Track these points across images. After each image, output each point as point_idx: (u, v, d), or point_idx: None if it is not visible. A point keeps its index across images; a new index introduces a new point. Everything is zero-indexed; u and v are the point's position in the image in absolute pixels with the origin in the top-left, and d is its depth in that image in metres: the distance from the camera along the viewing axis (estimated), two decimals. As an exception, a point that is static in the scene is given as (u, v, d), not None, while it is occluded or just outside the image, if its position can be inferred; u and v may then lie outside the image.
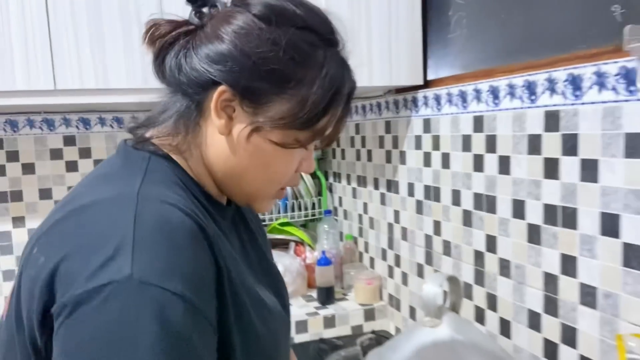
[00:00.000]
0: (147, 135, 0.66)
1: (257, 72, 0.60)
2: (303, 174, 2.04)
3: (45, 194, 1.89)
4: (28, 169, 1.87)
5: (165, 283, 0.50)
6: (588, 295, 0.98)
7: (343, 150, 2.05)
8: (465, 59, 1.36)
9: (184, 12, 0.68)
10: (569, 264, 1.02)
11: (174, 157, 0.65)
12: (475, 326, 1.24)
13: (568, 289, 1.03)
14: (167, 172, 0.62)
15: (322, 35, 0.63)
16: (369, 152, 1.83)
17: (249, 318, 0.62)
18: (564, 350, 1.05)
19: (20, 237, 1.88)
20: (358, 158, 1.92)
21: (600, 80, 0.95)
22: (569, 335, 1.04)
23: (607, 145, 0.94)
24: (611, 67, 0.93)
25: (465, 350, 0.95)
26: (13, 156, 1.85)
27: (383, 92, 1.70)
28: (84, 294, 0.49)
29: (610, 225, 0.94)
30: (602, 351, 0.97)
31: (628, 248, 0.91)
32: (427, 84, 1.50)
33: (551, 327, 1.08)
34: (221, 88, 0.60)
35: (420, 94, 1.51)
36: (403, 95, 1.59)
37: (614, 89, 0.93)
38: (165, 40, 0.63)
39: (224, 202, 0.71)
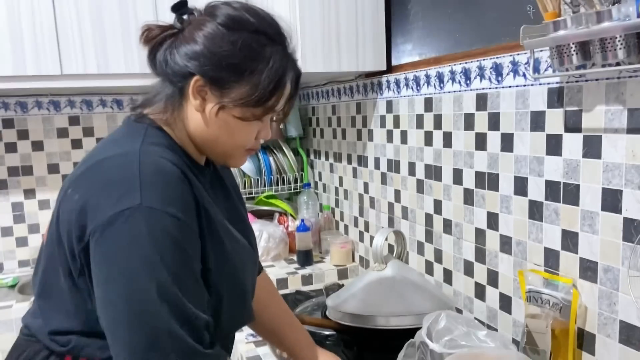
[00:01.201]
0: (145, 112, 0.88)
1: (221, 66, 0.81)
2: (287, 154, 2.27)
3: (53, 168, 2.10)
4: (37, 146, 2.08)
5: (165, 207, 0.73)
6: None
7: (322, 130, 2.26)
8: (421, 47, 1.57)
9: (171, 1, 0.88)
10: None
11: (165, 128, 0.87)
12: (414, 269, 1.46)
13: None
14: (159, 138, 0.84)
15: (269, 37, 0.84)
16: (343, 131, 2.05)
17: (222, 245, 0.85)
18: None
19: (31, 208, 2.10)
20: (334, 136, 2.14)
21: (515, 68, 1.17)
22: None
23: (518, 121, 1.16)
24: (522, 57, 1.14)
25: (403, 285, 1.18)
26: (23, 134, 2.06)
27: (354, 77, 1.90)
28: (110, 218, 0.72)
29: (521, 187, 1.16)
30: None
31: (533, 204, 1.13)
32: (390, 69, 1.71)
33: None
34: (196, 77, 0.81)
35: (384, 79, 1.72)
36: (370, 80, 1.80)
37: (523, 75, 1.14)
38: (156, 40, 0.85)
39: (202, 164, 0.93)
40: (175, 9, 0.86)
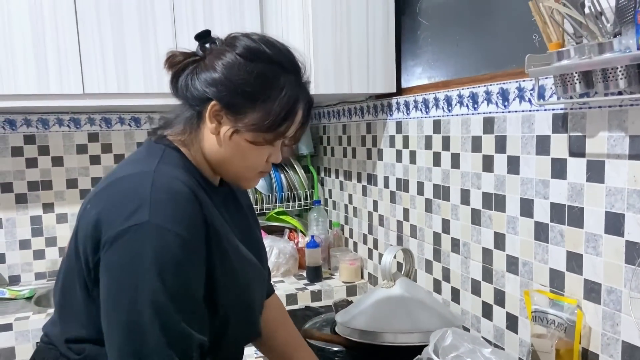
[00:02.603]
0: (165, 133, 0.93)
1: (236, 93, 0.86)
2: (298, 171, 2.32)
3: (71, 183, 2.17)
4: (57, 161, 2.15)
5: (171, 226, 0.77)
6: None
7: (332, 148, 2.31)
8: (430, 71, 1.62)
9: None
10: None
11: (182, 149, 0.92)
12: (422, 287, 1.49)
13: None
14: (175, 159, 0.89)
15: (283, 66, 0.89)
16: (354, 150, 2.09)
17: (230, 263, 0.89)
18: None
19: (49, 221, 2.16)
20: (345, 155, 2.18)
21: (521, 94, 1.21)
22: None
23: (524, 145, 1.20)
24: (528, 84, 1.18)
25: (411, 303, 1.21)
26: (44, 150, 2.12)
27: (365, 98, 1.95)
28: (119, 232, 0.77)
29: (527, 209, 1.20)
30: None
31: (538, 225, 1.16)
32: (400, 91, 1.76)
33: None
34: (213, 102, 0.87)
35: (394, 100, 1.77)
36: (381, 101, 1.85)
37: (529, 100, 1.18)
38: (179, 66, 0.91)
39: (216, 184, 0.97)
40: (199, 37, 0.92)
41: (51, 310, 1.72)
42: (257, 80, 0.86)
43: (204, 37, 0.92)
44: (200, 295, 0.83)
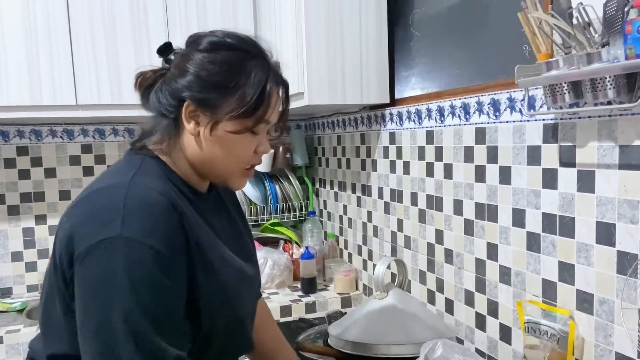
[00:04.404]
0: (145, 144, 0.92)
1: (207, 87, 0.86)
2: (293, 182, 2.31)
3: (64, 195, 2.16)
4: (50, 173, 2.14)
5: (144, 239, 0.75)
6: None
7: (327, 159, 2.31)
8: (423, 82, 1.62)
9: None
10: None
11: (163, 157, 0.90)
12: (415, 298, 1.48)
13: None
14: (154, 169, 0.87)
15: (248, 52, 0.89)
16: (348, 161, 2.09)
17: (216, 275, 0.87)
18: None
19: (41, 233, 2.14)
20: (339, 166, 2.18)
21: (512, 104, 1.21)
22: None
23: (515, 155, 1.20)
24: (518, 94, 1.19)
25: (404, 314, 1.20)
26: (37, 161, 2.12)
27: (359, 109, 1.96)
28: (90, 247, 0.75)
29: (519, 219, 1.19)
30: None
31: (530, 236, 1.16)
32: (393, 102, 1.76)
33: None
34: (186, 103, 0.86)
35: (387, 111, 1.77)
36: (374, 112, 1.85)
37: (520, 111, 1.18)
38: (148, 82, 0.91)
39: (203, 190, 0.96)
40: (161, 52, 0.92)
41: (42, 323, 1.70)
42: (222, 68, 0.86)
43: (165, 50, 0.92)
44: (179, 309, 0.81)
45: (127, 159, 0.91)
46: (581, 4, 0.93)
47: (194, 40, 0.90)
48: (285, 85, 0.93)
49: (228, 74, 0.86)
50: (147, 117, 0.94)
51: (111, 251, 0.74)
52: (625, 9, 0.87)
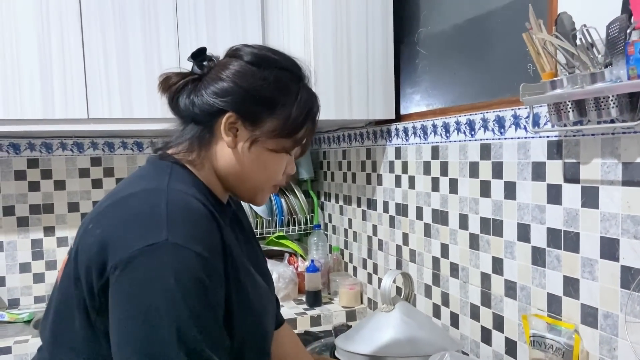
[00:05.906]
0: (168, 152, 0.90)
1: (254, 100, 0.84)
2: (299, 195, 2.33)
3: (73, 207, 2.18)
4: (59, 185, 2.17)
5: (192, 245, 0.72)
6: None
7: (332, 173, 2.34)
8: (428, 98, 1.65)
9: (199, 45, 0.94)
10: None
11: (189, 167, 0.86)
12: (421, 312, 1.49)
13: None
14: (185, 176, 0.84)
15: (294, 73, 0.90)
16: (354, 175, 2.12)
17: (245, 287, 0.86)
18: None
19: (49, 245, 2.16)
20: (344, 180, 2.21)
21: (516, 121, 1.24)
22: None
23: (520, 171, 1.22)
24: (523, 111, 1.22)
25: (410, 327, 1.21)
26: (47, 174, 2.15)
27: (365, 124, 1.99)
28: (133, 253, 0.70)
29: (524, 234, 1.21)
30: None
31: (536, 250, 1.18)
32: (399, 118, 1.79)
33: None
34: (228, 114, 0.83)
35: (393, 127, 1.80)
36: (380, 127, 1.88)
37: (524, 128, 1.21)
38: (177, 86, 0.88)
39: (224, 203, 0.94)
40: (194, 56, 0.90)
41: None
42: (273, 85, 0.85)
43: (199, 55, 0.89)
44: (221, 319, 0.77)
45: (153, 165, 0.88)
46: (584, 25, 0.96)
47: (236, 50, 0.88)
48: (319, 108, 0.93)
49: (278, 92, 0.86)
50: (159, 131, 0.92)
51: (158, 257, 0.70)
52: (628, 31, 0.90)
